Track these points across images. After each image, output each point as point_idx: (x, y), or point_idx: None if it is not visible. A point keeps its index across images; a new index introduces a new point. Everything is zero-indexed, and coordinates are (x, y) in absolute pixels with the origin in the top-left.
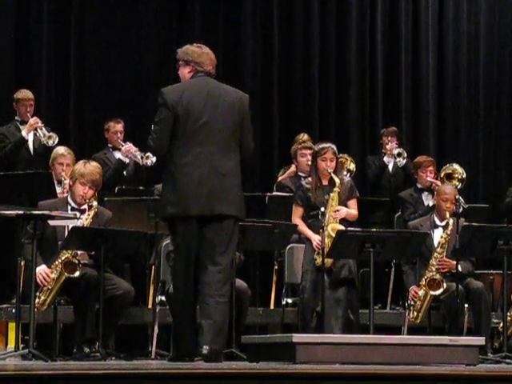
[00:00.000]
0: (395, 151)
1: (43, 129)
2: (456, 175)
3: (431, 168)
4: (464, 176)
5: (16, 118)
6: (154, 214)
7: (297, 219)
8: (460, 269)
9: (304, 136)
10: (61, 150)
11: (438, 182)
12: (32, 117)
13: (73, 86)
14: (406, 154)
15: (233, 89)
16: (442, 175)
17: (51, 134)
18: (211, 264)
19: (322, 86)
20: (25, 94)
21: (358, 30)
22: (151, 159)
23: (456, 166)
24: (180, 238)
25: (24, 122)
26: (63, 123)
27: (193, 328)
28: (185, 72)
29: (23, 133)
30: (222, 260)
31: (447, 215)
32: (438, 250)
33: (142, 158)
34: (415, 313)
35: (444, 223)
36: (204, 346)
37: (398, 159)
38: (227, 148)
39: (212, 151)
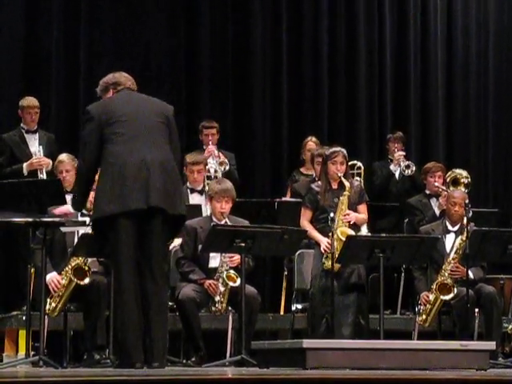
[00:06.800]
0: (403, 163)
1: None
2: (462, 180)
3: (440, 173)
4: (469, 180)
5: (21, 125)
6: None
7: (305, 222)
8: (472, 276)
9: (312, 138)
10: (60, 157)
11: (444, 188)
12: (36, 123)
13: (82, 93)
14: (414, 168)
15: (156, 99)
16: (447, 181)
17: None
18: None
19: (331, 91)
20: (30, 101)
21: (367, 35)
22: None
23: (460, 171)
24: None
25: (29, 131)
26: (72, 131)
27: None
28: (106, 96)
29: (24, 168)
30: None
31: (457, 219)
32: (452, 255)
33: None
34: (424, 316)
35: (456, 228)
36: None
37: (406, 171)
38: (156, 142)
39: (141, 144)
